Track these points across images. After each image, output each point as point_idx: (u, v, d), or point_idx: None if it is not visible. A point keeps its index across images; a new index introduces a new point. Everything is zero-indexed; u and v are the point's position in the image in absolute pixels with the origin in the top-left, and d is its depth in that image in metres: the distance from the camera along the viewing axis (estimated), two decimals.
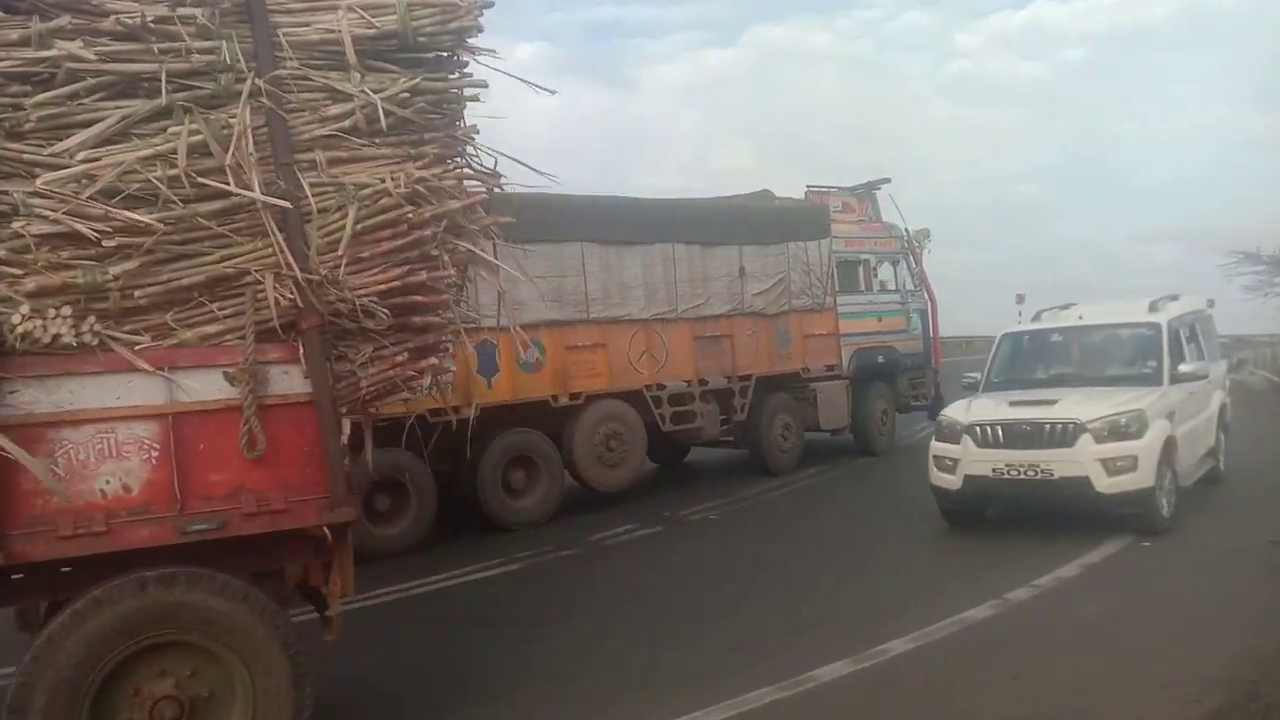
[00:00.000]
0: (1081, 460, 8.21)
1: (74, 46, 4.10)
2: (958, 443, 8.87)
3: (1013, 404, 9.00)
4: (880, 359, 15.06)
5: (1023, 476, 8.46)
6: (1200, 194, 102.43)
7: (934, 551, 9.09)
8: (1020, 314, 42.92)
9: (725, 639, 6.62)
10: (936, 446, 9.19)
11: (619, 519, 10.94)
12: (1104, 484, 8.14)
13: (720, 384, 12.61)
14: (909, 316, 15.84)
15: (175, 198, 4.21)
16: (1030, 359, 10.41)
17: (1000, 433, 8.67)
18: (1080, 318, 10.44)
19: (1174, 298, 10.41)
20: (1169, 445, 8.54)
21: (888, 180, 15.82)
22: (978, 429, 8.78)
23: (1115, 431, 8.24)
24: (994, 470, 8.61)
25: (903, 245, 15.90)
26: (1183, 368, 9.21)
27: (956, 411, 9.26)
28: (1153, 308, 9.89)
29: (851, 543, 9.58)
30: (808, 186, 15.00)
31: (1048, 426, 8.43)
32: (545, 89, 5.37)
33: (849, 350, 14.40)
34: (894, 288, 15.72)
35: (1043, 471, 8.37)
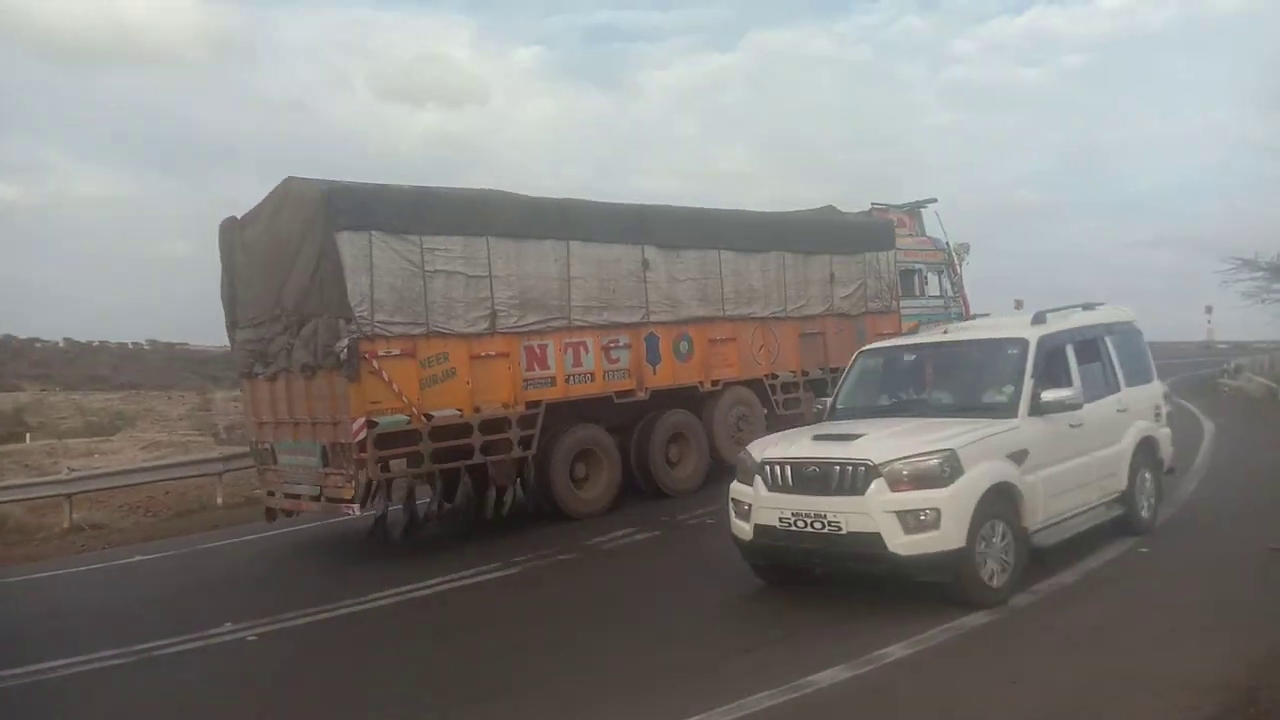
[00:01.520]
0: (871, 512, 6.64)
1: None
2: (751, 484, 7.43)
3: (815, 439, 7.53)
4: None
5: (810, 529, 6.92)
6: (1199, 199, 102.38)
7: None
8: None
9: (722, 643, 6.58)
10: (734, 488, 7.72)
11: (618, 523, 10.95)
12: (899, 543, 6.54)
13: (817, 374, 14.64)
14: (951, 320, 17.94)
15: None
16: (882, 382, 8.80)
17: (789, 474, 7.15)
18: (945, 331, 9.12)
19: (1089, 306, 9.10)
20: (1000, 494, 6.89)
21: (934, 200, 18.46)
22: (768, 469, 7.28)
23: (916, 477, 6.64)
24: (781, 520, 7.09)
25: (945, 257, 18.47)
26: (1047, 396, 7.33)
27: (756, 447, 7.76)
28: (1037, 320, 8.32)
29: None
30: (873, 204, 17.48)
31: (838, 469, 6.88)
32: None
33: None
34: (938, 294, 18.23)
35: (831, 524, 6.80)
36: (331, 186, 9.90)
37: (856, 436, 7.28)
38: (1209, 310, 49.22)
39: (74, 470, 15.64)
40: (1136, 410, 8.85)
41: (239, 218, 11.28)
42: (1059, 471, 7.56)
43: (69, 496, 14.54)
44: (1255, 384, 24.59)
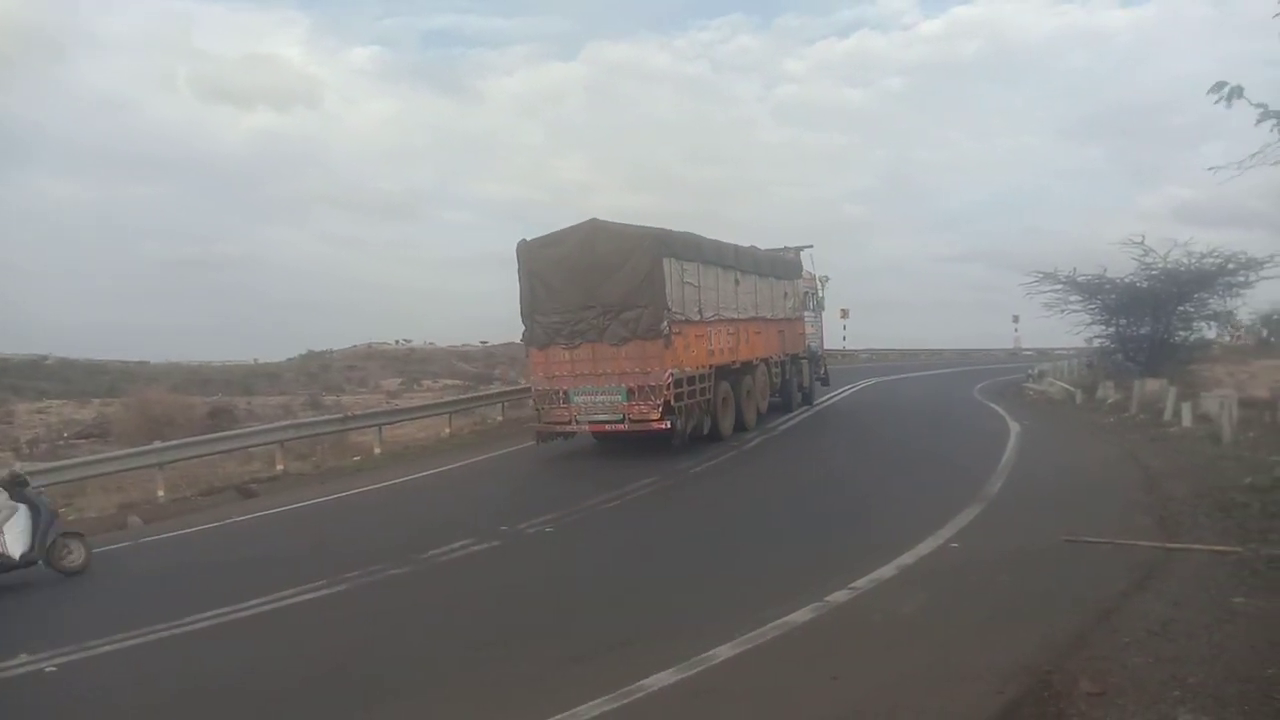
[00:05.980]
0: None
1: None
2: None
3: None
4: (813, 347, 25.94)
5: None
6: (1004, 218, 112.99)
7: (753, 558, 9.07)
8: (845, 328, 49.69)
9: (556, 652, 6.58)
10: None
11: (455, 533, 10.67)
12: None
13: (784, 358, 22.79)
14: (819, 326, 27.23)
15: None
16: None
17: None
18: None
19: None
20: None
21: (811, 246, 26.42)
22: None
23: None
24: None
25: (815, 284, 26.81)
26: None
27: None
28: None
29: (678, 552, 9.79)
30: (785, 245, 25.24)
31: None
32: None
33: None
34: (812, 309, 26.53)
35: None
36: (661, 231, 16.67)
37: None
38: (1016, 319, 53.09)
39: None
40: None
41: (528, 240, 16.99)
42: None
43: None
44: (1056, 387, 26.88)
